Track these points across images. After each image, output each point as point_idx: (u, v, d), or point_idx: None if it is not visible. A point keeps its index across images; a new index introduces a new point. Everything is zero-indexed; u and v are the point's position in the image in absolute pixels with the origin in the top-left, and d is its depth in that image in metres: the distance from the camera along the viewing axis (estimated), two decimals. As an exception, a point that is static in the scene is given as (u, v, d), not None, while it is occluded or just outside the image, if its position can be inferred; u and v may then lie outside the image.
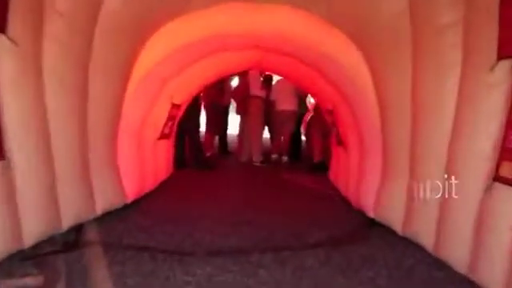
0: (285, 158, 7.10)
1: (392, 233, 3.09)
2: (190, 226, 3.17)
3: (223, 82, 7.07)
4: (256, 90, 6.79)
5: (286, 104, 6.91)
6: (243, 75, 7.31)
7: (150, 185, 4.14)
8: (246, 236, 3.02)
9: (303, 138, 7.94)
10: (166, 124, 4.32)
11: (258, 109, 6.79)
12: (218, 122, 7.00)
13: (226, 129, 7.99)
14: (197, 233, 3.02)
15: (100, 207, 3.19)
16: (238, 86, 7.52)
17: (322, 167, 6.44)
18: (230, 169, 6.39)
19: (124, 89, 3.30)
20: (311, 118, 7.56)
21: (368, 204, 3.54)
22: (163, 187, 4.54)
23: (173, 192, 4.39)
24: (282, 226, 3.30)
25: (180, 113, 5.01)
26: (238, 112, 7.38)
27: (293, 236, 3.05)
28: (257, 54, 4.25)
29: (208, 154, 6.89)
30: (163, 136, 4.42)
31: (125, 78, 3.26)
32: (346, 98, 3.72)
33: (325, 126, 6.37)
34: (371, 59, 3.18)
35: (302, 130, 7.83)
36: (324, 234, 3.12)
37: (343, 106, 3.99)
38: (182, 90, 4.42)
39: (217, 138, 7.84)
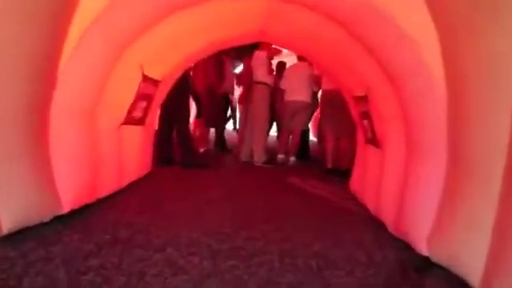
0: (292, 159, 5.90)
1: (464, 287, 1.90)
2: (147, 258, 1.99)
3: (223, 64, 5.90)
4: (261, 74, 5.60)
5: (297, 94, 5.71)
6: (248, 58, 6.13)
7: (107, 187, 2.97)
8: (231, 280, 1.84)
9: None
10: (134, 104, 3.14)
11: (263, 98, 5.58)
12: (215, 113, 5.82)
13: (224, 121, 6.81)
14: (153, 270, 1.85)
15: (7, 222, 2.04)
16: (242, 71, 6.35)
17: (338, 173, 5.26)
18: (226, 169, 5.20)
19: (59, 44, 2.14)
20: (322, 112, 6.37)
21: (418, 233, 2.35)
22: (130, 190, 3.37)
23: (141, 198, 3.21)
24: (288, 264, 2.12)
25: (161, 93, 3.84)
26: (240, 101, 6.22)
27: (303, 285, 1.87)
28: (263, 5, 3.03)
29: (201, 150, 5.72)
30: (131, 120, 3.25)
31: (59, 25, 2.10)
32: (393, 76, 2.52)
33: (340, 123, 5.19)
34: (445, 15, 2.00)
35: (312, 127, 6.65)
36: (350, 282, 1.93)
37: (383, 89, 2.79)
38: (159, 58, 3.25)
39: (213, 131, 6.66)
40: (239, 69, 6.75)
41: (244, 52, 6.20)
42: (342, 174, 5.25)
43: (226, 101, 6.60)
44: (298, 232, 2.70)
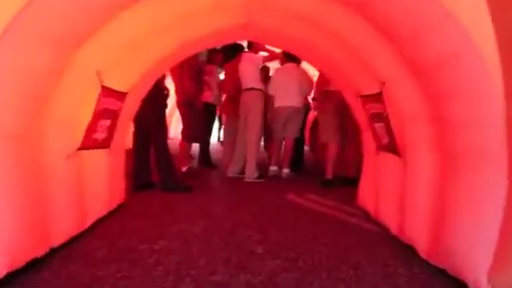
0: (286, 171, 5.29)
1: None
2: None
3: (203, 70, 5.28)
4: (254, 79, 5.01)
5: (288, 99, 5.11)
6: (230, 63, 5.54)
7: (63, 232, 2.30)
8: None
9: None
10: (94, 123, 2.49)
11: (257, 106, 4.99)
12: (195, 127, 5.17)
13: (208, 134, 6.17)
14: None
15: None
16: (224, 77, 5.74)
17: (338, 183, 4.71)
18: (214, 191, 4.55)
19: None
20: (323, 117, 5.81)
21: (471, 265, 1.80)
22: (95, 232, 2.68)
23: (109, 242, 2.53)
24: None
25: (130, 108, 3.20)
26: (223, 111, 5.62)
27: None
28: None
29: (184, 169, 5.07)
30: (92, 143, 2.60)
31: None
32: (423, 69, 1.95)
33: (346, 128, 4.64)
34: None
35: (306, 134, 6.09)
36: None
37: (405, 85, 2.23)
38: (123, 64, 2.61)
39: (195, 146, 6.01)
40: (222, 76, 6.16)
41: (230, 57, 5.60)
42: (343, 183, 4.70)
43: (211, 112, 5.97)
44: (313, 269, 2.10)
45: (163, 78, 4.10)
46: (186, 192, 4.13)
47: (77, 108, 2.35)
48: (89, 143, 2.54)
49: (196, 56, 5.03)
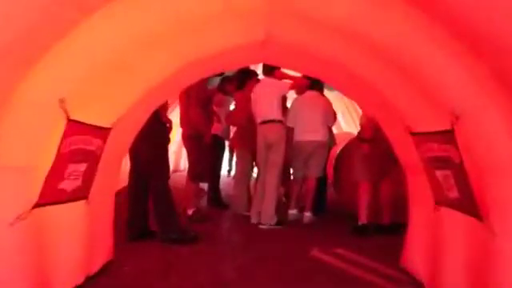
0: (308, 216, 4.51)
1: None
2: None
3: (212, 100, 4.67)
4: (273, 110, 4.29)
5: (311, 132, 4.42)
6: (241, 91, 4.91)
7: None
8: None
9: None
10: (58, 169, 1.84)
11: (280, 141, 4.27)
12: (206, 163, 4.49)
13: (218, 170, 5.48)
14: None
15: None
16: (235, 107, 5.11)
17: (375, 230, 3.94)
18: (223, 240, 3.81)
19: None
20: (345, 151, 5.08)
21: None
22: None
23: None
24: None
25: (118, 146, 2.56)
26: (233, 144, 4.96)
27: None
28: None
29: (189, 213, 4.36)
30: (57, 196, 1.94)
31: None
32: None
33: (381, 163, 3.90)
34: None
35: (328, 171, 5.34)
36: None
37: (494, 117, 1.54)
38: (102, 91, 1.98)
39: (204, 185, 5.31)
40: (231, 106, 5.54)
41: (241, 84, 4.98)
42: (377, 231, 3.92)
43: (220, 146, 5.31)
44: None
45: (165, 107, 3.47)
46: (191, 243, 3.42)
47: (32, 150, 1.70)
48: (52, 196, 1.87)
49: (205, 82, 4.43)
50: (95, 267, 2.49)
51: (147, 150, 3.40)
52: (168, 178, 3.53)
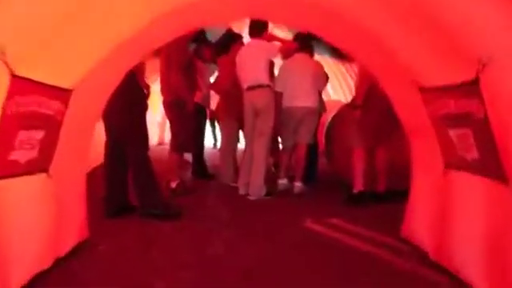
0: (299, 185, 4.26)
1: None
2: None
3: (194, 66, 4.29)
4: (260, 74, 3.91)
5: (301, 98, 4.10)
6: (225, 56, 4.55)
7: None
8: None
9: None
10: (3, 135, 1.50)
11: (269, 107, 3.93)
12: (189, 132, 4.17)
13: (201, 140, 5.16)
14: None
15: None
16: (219, 73, 4.74)
17: (371, 198, 3.72)
18: (210, 212, 3.53)
19: None
20: (337, 118, 4.81)
21: None
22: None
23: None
24: None
25: (88, 111, 2.22)
26: (217, 113, 4.64)
27: None
28: None
29: (173, 186, 4.07)
30: (7, 169, 1.61)
31: None
32: None
33: (378, 127, 3.64)
34: None
35: (319, 139, 5.08)
36: None
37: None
38: (58, 44, 1.63)
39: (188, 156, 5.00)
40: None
41: (225, 49, 4.61)
42: (371, 200, 3.70)
43: (202, 114, 4.97)
44: None
45: (141, 70, 3.10)
46: (174, 218, 3.14)
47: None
48: (2, 168, 1.55)
49: (186, 44, 4.06)
50: (65, 248, 2.20)
51: (123, 116, 3.07)
52: (147, 147, 3.21)
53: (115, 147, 3.19)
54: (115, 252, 2.46)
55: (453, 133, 1.79)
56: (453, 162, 1.92)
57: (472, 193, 1.82)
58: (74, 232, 2.34)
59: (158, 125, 9.79)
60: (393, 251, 2.49)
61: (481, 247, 1.76)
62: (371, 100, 3.55)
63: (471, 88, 1.52)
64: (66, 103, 1.85)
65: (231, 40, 4.54)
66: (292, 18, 2.56)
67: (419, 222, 2.40)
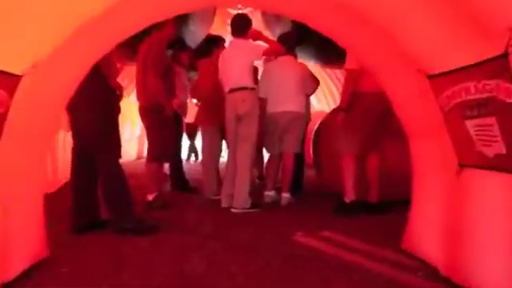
0: (286, 197, 3.94)
1: None
2: None
3: (172, 72, 3.98)
4: (243, 76, 3.60)
5: (287, 102, 3.83)
6: (206, 59, 4.27)
7: None
8: None
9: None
10: None
11: (253, 111, 3.60)
12: (168, 140, 3.83)
13: (179, 152, 4.81)
14: None
15: None
16: (199, 77, 4.43)
17: (364, 209, 3.45)
18: (190, 227, 3.13)
19: None
20: (324, 126, 4.56)
21: None
22: None
23: None
24: None
25: (44, 106, 1.88)
26: (199, 121, 4.32)
27: None
28: None
29: (150, 198, 3.70)
30: None
31: None
32: None
33: (365, 137, 3.40)
34: None
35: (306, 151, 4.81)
36: None
37: None
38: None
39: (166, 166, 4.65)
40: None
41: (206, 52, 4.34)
42: (363, 210, 3.42)
43: (179, 122, 4.65)
44: None
45: (111, 68, 2.78)
46: (150, 233, 2.78)
47: None
48: None
49: (164, 49, 3.76)
50: (13, 272, 1.82)
51: (92, 120, 2.73)
52: (119, 154, 2.86)
53: (83, 154, 2.84)
54: (79, 274, 2.08)
55: (471, 124, 1.53)
56: (469, 160, 1.66)
57: (494, 195, 1.55)
58: (26, 252, 1.96)
59: (137, 138, 9.38)
60: (398, 267, 2.19)
61: (507, 262, 1.48)
62: (357, 104, 3.32)
63: (498, 65, 1.27)
64: (10, 92, 1.51)
65: (213, 44, 4.27)
66: (283, 8, 2.29)
67: (425, 233, 2.11)
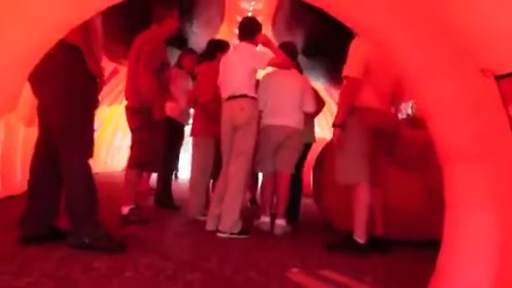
0: (281, 224, 3.39)
1: None
2: None
3: (168, 72, 3.54)
4: (244, 83, 3.15)
5: (284, 116, 3.40)
6: (207, 63, 3.84)
7: None
8: None
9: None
10: None
11: (251, 122, 3.15)
12: (155, 147, 3.32)
13: (172, 162, 4.33)
14: None
15: None
16: (198, 81, 3.97)
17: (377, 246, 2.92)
18: (165, 251, 2.57)
19: None
20: (329, 152, 4.05)
21: None
22: None
23: None
24: None
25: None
26: (192, 133, 3.85)
27: None
28: None
29: (125, 211, 3.17)
30: None
31: None
32: None
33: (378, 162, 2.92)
34: None
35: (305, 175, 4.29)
36: None
37: None
38: None
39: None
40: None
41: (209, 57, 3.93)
42: (376, 245, 2.90)
43: (178, 131, 4.18)
44: None
45: (94, 51, 2.31)
46: (112, 252, 2.25)
47: None
48: None
49: (161, 45, 3.34)
50: None
51: (63, 110, 2.24)
52: (89, 154, 2.35)
53: (47, 149, 2.34)
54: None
55: None
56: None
57: None
58: None
59: (127, 148, 8.88)
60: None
61: None
62: (356, 120, 2.86)
63: None
64: None
65: (217, 48, 3.86)
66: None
67: (467, 281, 1.60)
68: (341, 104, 2.97)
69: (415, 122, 3.09)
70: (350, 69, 2.79)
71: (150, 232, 2.96)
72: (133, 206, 3.18)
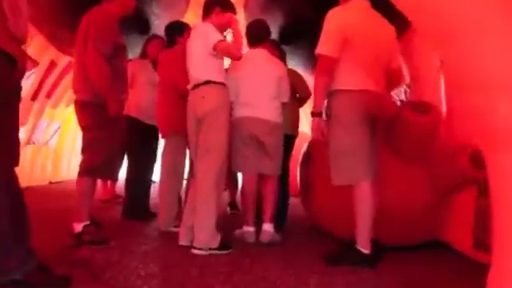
0: (269, 230, 2.87)
1: None
2: None
3: (123, 57, 2.91)
4: (209, 68, 2.60)
5: (260, 108, 2.89)
6: (172, 48, 3.26)
7: None
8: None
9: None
10: None
11: (220, 113, 2.58)
12: (111, 147, 2.64)
13: (148, 168, 3.74)
14: None
15: None
16: (159, 70, 3.35)
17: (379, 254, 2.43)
18: (127, 279, 2.04)
19: None
20: (316, 148, 3.51)
21: None
22: None
23: None
24: None
25: None
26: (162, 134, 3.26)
27: None
28: None
29: (78, 229, 2.56)
30: None
31: None
32: None
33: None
34: None
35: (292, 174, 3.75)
36: None
37: None
38: None
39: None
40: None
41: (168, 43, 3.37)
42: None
43: (152, 132, 3.60)
44: None
45: (8, 26, 1.68)
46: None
47: None
48: None
49: (114, 25, 2.73)
50: None
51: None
52: (13, 160, 1.73)
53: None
54: None
55: None
56: None
57: None
58: None
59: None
60: None
61: None
62: (343, 106, 2.37)
63: None
64: None
65: (176, 32, 3.28)
66: None
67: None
68: (315, 88, 2.45)
69: (418, 105, 2.60)
70: (323, 46, 2.32)
71: (108, 255, 2.35)
72: (87, 223, 2.56)
